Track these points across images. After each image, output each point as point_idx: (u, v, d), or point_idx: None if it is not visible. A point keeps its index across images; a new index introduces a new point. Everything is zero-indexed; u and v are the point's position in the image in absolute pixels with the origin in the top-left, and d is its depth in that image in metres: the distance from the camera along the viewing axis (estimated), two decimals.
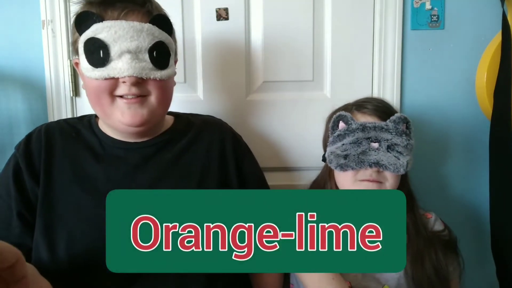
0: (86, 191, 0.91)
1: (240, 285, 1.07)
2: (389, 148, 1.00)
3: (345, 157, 1.01)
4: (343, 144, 1.03)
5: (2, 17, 1.32)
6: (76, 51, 0.91)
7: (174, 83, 1.00)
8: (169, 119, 1.07)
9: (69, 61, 1.33)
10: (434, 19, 1.34)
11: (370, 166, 0.99)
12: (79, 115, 1.34)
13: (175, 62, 0.99)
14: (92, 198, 0.90)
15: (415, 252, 1.03)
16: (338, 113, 1.06)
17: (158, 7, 0.95)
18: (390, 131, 1.00)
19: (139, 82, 0.87)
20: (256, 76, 1.38)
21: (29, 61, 1.34)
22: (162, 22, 0.91)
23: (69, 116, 1.35)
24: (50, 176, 0.92)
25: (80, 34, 0.87)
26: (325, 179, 1.17)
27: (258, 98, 1.38)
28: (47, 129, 0.98)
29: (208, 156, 1.02)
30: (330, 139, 1.08)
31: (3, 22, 1.32)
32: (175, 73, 0.96)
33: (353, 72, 1.37)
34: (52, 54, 1.33)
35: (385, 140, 1.00)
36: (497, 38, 1.30)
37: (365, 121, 1.03)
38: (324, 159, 1.12)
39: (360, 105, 1.10)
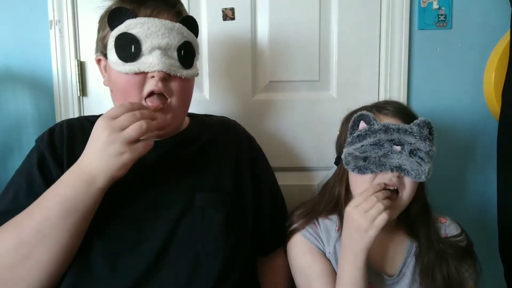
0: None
1: (249, 284, 1.07)
2: (412, 152, 0.94)
3: (365, 159, 0.95)
4: (363, 146, 0.96)
5: (10, 17, 1.34)
6: (103, 47, 0.93)
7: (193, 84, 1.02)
8: (186, 120, 1.08)
9: (76, 61, 1.34)
10: (442, 18, 1.33)
11: (392, 170, 0.93)
12: (86, 114, 1.35)
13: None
14: (108, 195, 0.91)
15: (426, 266, 1.00)
16: (359, 112, 0.99)
17: (185, 9, 0.99)
18: (414, 134, 0.94)
19: (166, 78, 0.89)
20: (262, 76, 1.38)
21: (36, 61, 1.35)
22: (191, 23, 0.94)
23: (76, 115, 1.36)
24: None
25: (112, 29, 0.89)
26: (336, 182, 1.09)
27: (264, 98, 1.39)
28: (69, 124, 0.99)
29: (224, 156, 1.04)
30: (349, 139, 1.01)
31: (11, 22, 1.34)
32: (197, 74, 0.98)
33: (360, 72, 1.36)
34: (60, 54, 1.34)
35: (408, 143, 0.94)
36: (506, 38, 1.29)
37: (388, 122, 0.97)
38: (337, 162, 1.08)
39: (380, 107, 1.03)
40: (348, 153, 0.98)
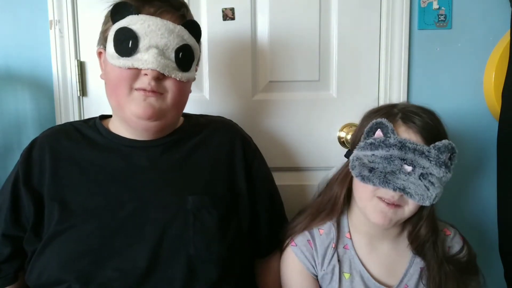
0: (96, 193, 0.92)
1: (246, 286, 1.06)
2: (422, 176, 0.88)
3: (371, 170, 0.90)
4: (373, 155, 0.91)
5: (10, 17, 1.33)
6: (104, 40, 0.93)
7: (190, 91, 1.01)
8: (180, 120, 1.07)
9: (76, 61, 1.34)
10: (442, 18, 1.33)
11: (394, 190, 0.89)
12: (86, 114, 1.36)
13: (196, 69, 1.01)
14: (94, 198, 0.92)
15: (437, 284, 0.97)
16: (378, 120, 0.92)
17: (191, 14, 0.99)
18: (430, 158, 0.88)
19: (160, 78, 0.89)
20: (262, 76, 1.38)
21: (37, 61, 1.35)
22: (193, 27, 0.94)
23: (76, 115, 1.36)
24: (59, 182, 0.93)
25: (114, 22, 0.89)
26: (338, 180, 1.05)
27: (264, 98, 1.38)
28: (48, 138, 1.00)
29: (217, 158, 1.02)
30: (361, 143, 0.95)
31: (11, 22, 1.33)
32: (194, 79, 0.98)
33: (360, 72, 1.36)
34: (60, 54, 1.34)
35: (421, 166, 0.88)
36: (506, 38, 1.29)
37: (407, 138, 0.90)
38: (347, 155, 1.02)
39: (409, 116, 0.94)
40: (357, 157, 0.94)
